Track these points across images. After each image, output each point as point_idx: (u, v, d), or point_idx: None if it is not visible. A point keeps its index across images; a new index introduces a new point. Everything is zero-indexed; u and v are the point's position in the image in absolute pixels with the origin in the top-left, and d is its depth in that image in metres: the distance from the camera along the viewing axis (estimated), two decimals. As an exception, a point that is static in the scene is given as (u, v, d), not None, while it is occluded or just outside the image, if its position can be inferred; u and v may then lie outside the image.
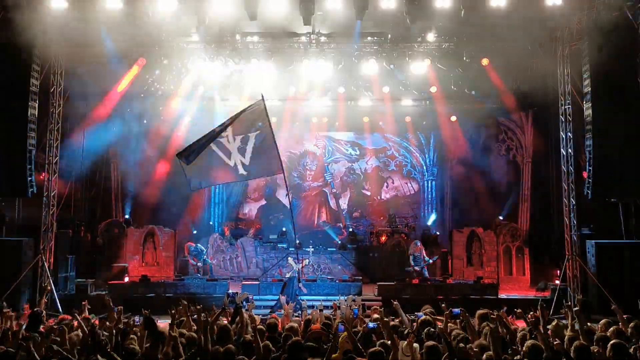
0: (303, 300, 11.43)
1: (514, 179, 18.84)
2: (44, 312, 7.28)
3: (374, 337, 6.12)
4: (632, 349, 5.39)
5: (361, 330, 6.19)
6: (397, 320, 7.21)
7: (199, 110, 18.06)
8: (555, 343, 5.42)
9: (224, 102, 18.30)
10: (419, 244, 15.69)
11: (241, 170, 11.20)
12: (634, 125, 12.72)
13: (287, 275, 13.72)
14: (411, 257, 15.50)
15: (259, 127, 11.11)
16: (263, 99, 11.12)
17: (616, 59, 12.51)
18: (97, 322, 7.02)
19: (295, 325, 6.62)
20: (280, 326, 6.96)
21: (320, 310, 7.79)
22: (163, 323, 6.41)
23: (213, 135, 10.98)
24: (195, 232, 18.64)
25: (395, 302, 7.52)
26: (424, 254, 15.50)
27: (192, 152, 10.81)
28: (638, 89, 12.59)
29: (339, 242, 18.55)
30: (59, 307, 12.58)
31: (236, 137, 11.05)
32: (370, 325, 6.10)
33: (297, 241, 14.83)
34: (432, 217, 20.17)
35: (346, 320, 6.64)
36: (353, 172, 20.96)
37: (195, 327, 6.48)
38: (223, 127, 11.05)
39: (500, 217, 18.26)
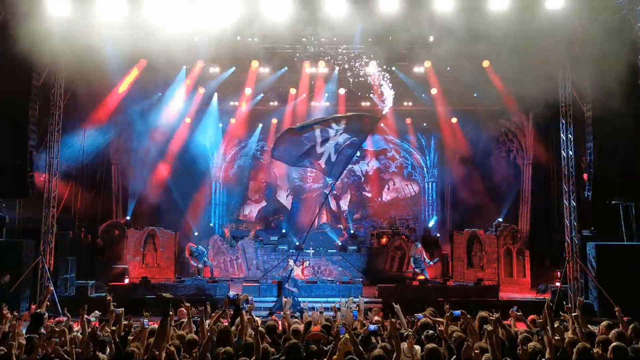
0: (304, 302, 11.40)
1: (515, 180, 18.82)
2: (46, 313, 7.26)
3: (373, 339, 6.11)
4: (632, 351, 5.38)
5: (361, 333, 6.18)
6: (397, 322, 7.19)
7: (200, 112, 18.09)
8: (556, 339, 5.43)
9: (224, 103, 18.36)
10: (419, 245, 15.71)
11: (322, 162, 11.41)
12: (634, 127, 12.71)
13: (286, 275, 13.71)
14: (412, 259, 15.53)
15: (359, 136, 11.31)
16: (381, 117, 11.24)
17: (616, 61, 12.50)
18: (97, 324, 7.00)
19: (300, 327, 6.61)
20: (279, 328, 6.95)
21: (321, 313, 7.77)
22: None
23: (324, 120, 11.16)
24: (196, 233, 18.63)
25: (396, 305, 7.52)
26: (425, 256, 15.51)
27: (302, 129, 11.08)
28: (638, 91, 12.58)
29: (340, 243, 18.54)
30: (59, 308, 12.56)
31: (344, 133, 11.21)
32: (372, 327, 6.09)
33: (297, 242, 14.75)
34: (433, 219, 20.15)
35: (347, 323, 6.62)
36: (354, 174, 20.95)
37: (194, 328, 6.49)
38: (338, 118, 11.22)
39: (501, 219, 18.23)
